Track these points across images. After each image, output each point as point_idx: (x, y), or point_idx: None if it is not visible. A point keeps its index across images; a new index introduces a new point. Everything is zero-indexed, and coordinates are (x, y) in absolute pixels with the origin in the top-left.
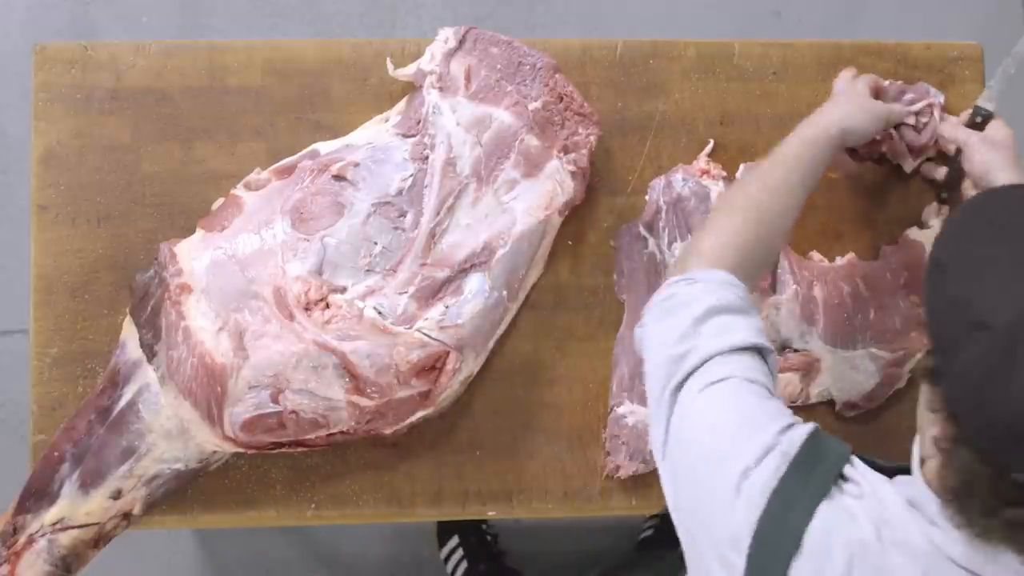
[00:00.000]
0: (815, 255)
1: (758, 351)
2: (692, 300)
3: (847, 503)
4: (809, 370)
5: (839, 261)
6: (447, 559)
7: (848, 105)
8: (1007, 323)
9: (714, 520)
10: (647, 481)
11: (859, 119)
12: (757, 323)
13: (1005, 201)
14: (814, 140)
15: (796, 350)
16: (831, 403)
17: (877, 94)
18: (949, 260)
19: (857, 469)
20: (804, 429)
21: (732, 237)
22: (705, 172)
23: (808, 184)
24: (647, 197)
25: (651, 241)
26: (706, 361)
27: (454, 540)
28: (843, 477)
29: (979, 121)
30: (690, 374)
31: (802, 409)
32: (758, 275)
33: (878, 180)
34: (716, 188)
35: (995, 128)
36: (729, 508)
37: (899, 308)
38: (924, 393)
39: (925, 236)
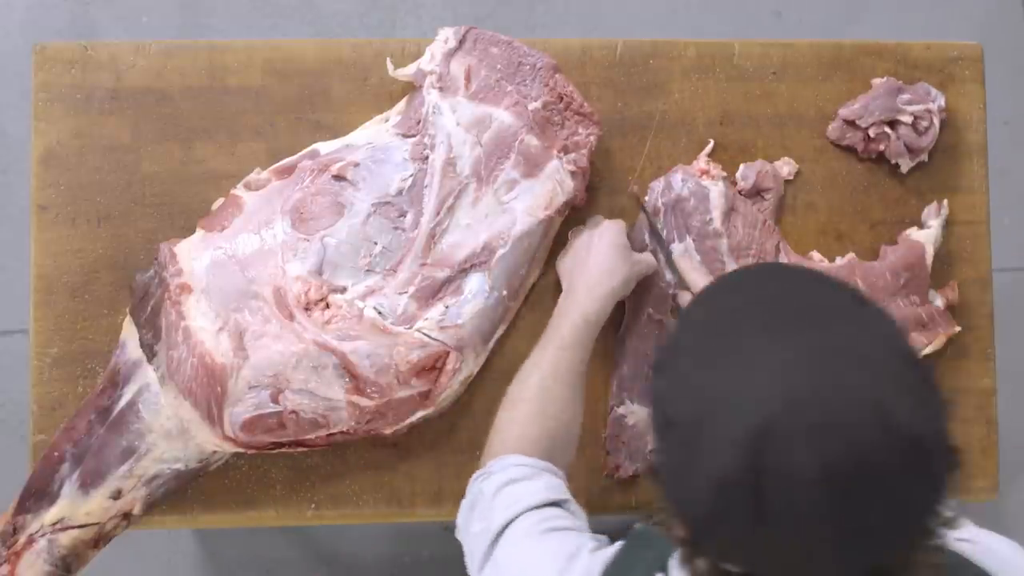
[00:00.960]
0: (815, 255)
1: (554, 504)
2: (487, 487)
3: None
4: None
5: (839, 261)
6: None
7: (599, 278)
8: (687, 421)
9: None
10: (648, 481)
11: (614, 285)
12: (552, 482)
13: (713, 291)
14: (583, 324)
15: None
16: None
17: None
18: (659, 360)
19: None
20: (612, 549)
21: (520, 428)
22: (705, 172)
23: (587, 357)
24: (646, 199)
25: (650, 243)
26: (504, 528)
27: None
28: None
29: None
30: (494, 543)
31: None
32: (564, 453)
33: (878, 180)
34: (716, 188)
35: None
36: None
37: (899, 308)
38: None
39: (925, 236)
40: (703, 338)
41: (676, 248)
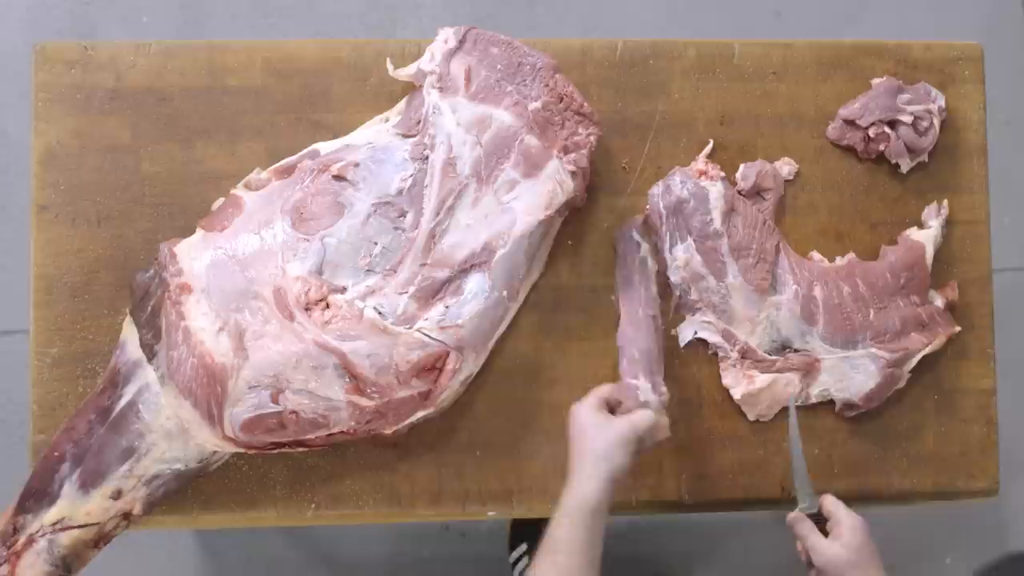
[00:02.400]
0: (815, 255)
1: None
2: None
3: None
4: (809, 370)
5: (839, 261)
6: (515, 564)
7: (594, 462)
8: None
9: None
10: (647, 482)
11: (611, 466)
12: None
13: None
14: (581, 517)
15: (796, 350)
16: (831, 403)
17: (611, 407)
18: None
19: None
20: None
21: None
22: (703, 173)
23: (596, 552)
24: (648, 205)
25: (644, 246)
26: None
27: (523, 547)
28: None
29: (813, 513)
30: None
31: (802, 409)
32: None
33: (878, 180)
34: (715, 188)
35: (838, 540)
36: None
37: (899, 308)
38: None
39: (925, 236)
40: None
41: (678, 249)
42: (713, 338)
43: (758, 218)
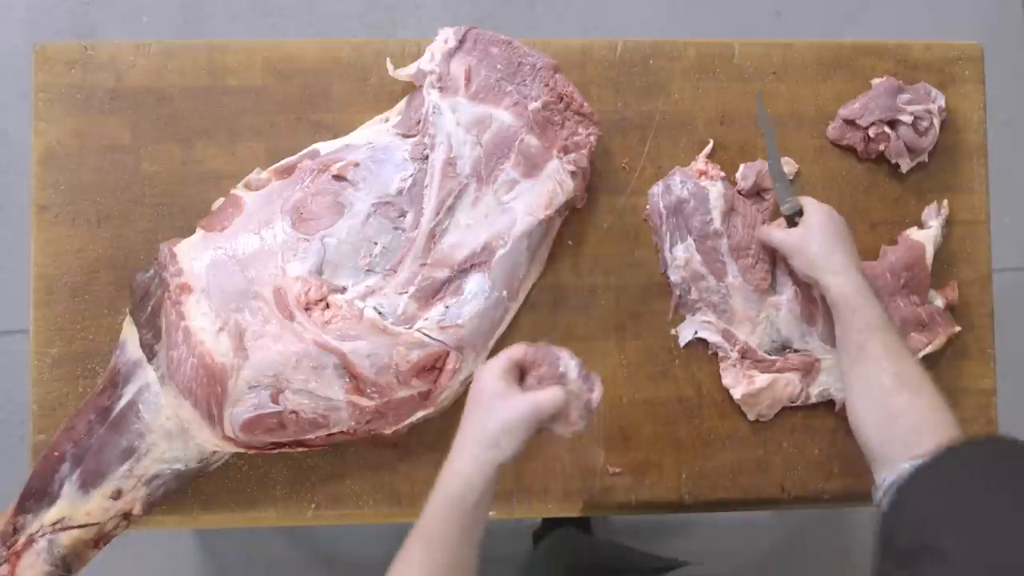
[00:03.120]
0: None
1: None
2: None
3: None
4: (809, 370)
5: None
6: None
7: (481, 446)
8: None
9: None
10: (647, 481)
11: (499, 455)
12: None
13: (961, 472)
14: (456, 511)
15: (796, 350)
16: (831, 403)
17: (523, 372)
18: (900, 548)
19: None
20: None
21: None
22: (703, 173)
23: (475, 541)
24: (647, 206)
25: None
26: None
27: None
28: None
29: (793, 218)
30: None
31: (802, 409)
32: None
33: (878, 180)
34: (715, 188)
35: (809, 216)
36: None
37: (899, 308)
38: None
39: (924, 236)
40: (974, 543)
41: (678, 249)
42: (713, 338)
43: (758, 218)
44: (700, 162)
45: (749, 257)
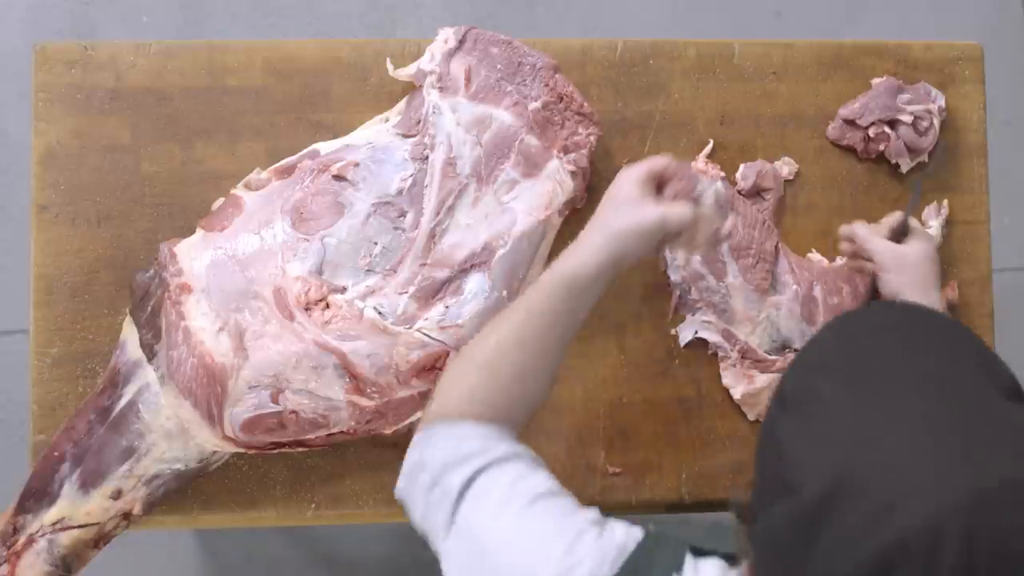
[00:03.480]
0: (814, 255)
1: (519, 458)
2: (433, 455)
3: None
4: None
5: (839, 261)
6: None
7: (605, 238)
8: (814, 494)
9: None
10: (647, 481)
11: (622, 248)
12: (513, 444)
13: (860, 327)
14: (564, 286)
15: (796, 350)
16: None
17: (660, 184)
18: (787, 394)
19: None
20: (619, 537)
21: (471, 392)
22: (703, 173)
23: (568, 333)
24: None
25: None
26: (469, 483)
27: None
28: None
29: (902, 233)
30: (457, 502)
31: None
32: (521, 415)
33: (878, 180)
34: (713, 188)
35: (913, 245)
36: None
37: None
38: (734, 524)
39: None
40: (842, 395)
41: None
42: (713, 338)
43: (758, 218)
44: (700, 162)
45: (749, 257)
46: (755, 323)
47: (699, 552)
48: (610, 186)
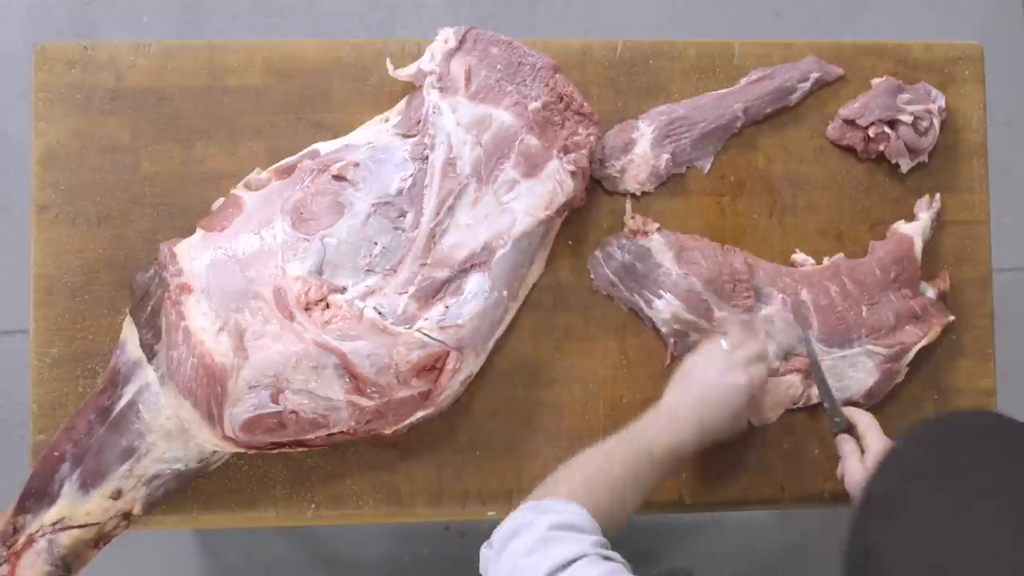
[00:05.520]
0: (799, 255)
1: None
2: (540, 520)
3: None
4: (810, 372)
5: (826, 261)
6: None
7: (717, 422)
8: None
9: None
10: None
11: (719, 424)
12: (603, 541)
13: (949, 434)
14: (671, 453)
15: (798, 354)
16: None
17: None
18: (875, 500)
19: None
20: None
21: (586, 485)
22: (636, 232)
23: (658, 479)
24: (592, 276)
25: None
26: (572, 560)
27: None
28: None
29: (844, 430)
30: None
31: (802, 409)
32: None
33: (878, 180)
34: (655, 242)
35: (870, 440)
36: None
37: (891, 303)
38: None
39: (912, 229)
40: (936, 502)
41: (658, 304)
42: None
43: (714, 247)
44: (630, 223)
45: (724, 284)
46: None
47: None
48: (741, 376)
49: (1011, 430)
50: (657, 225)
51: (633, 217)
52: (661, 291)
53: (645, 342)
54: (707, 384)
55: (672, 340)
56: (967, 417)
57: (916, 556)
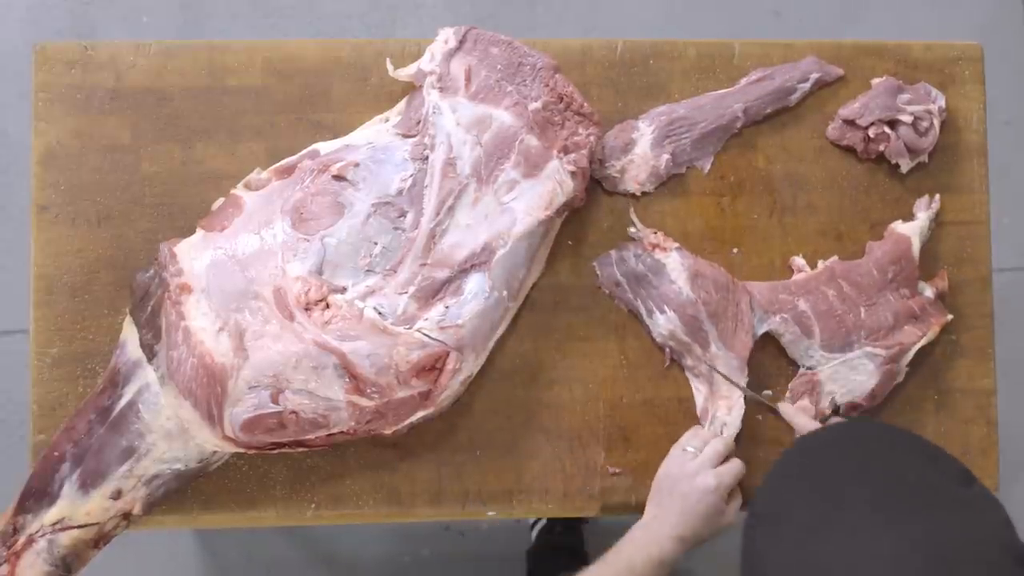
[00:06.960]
0: (799, 260)
1: None
2: None
3: None
4: (813, 389)
5: (821, 265)
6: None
7: (681, 522)
8: None
9: None
10: (647, 481)
11: (696, 528)
12: None
13: (819, 451)
14: (658, 563)
15: (800, 366)
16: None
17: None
18: (766, 503)
19: None
20: None
21: None
22: (656, 246)
23: None
24: (600, 272)
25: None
26: None
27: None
28: None
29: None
30: None
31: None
32: None
33: (878, 180)
34: (671, 259)
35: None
36: None
37: (890, 303)
38: None
39: (910, 229)
40: (809, 504)
41: (658, 318)
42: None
43: (728, 277)
44: (650, 236)
45: (727, 321)
46: (732, 406)
47: None
48: (713, 480)
49: (877, 431)
50: (677, 244)
51: (636, 228)
52: (665, 307)
53: (645, 343)
54: (677, 492)
55: (668, 349)
56: (838, 427)
57: (795, 554)
